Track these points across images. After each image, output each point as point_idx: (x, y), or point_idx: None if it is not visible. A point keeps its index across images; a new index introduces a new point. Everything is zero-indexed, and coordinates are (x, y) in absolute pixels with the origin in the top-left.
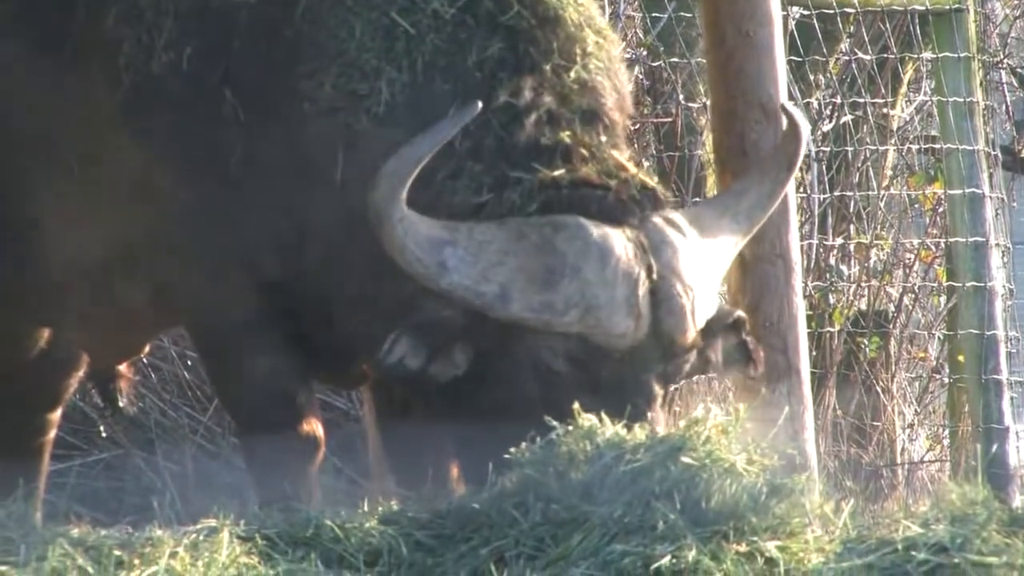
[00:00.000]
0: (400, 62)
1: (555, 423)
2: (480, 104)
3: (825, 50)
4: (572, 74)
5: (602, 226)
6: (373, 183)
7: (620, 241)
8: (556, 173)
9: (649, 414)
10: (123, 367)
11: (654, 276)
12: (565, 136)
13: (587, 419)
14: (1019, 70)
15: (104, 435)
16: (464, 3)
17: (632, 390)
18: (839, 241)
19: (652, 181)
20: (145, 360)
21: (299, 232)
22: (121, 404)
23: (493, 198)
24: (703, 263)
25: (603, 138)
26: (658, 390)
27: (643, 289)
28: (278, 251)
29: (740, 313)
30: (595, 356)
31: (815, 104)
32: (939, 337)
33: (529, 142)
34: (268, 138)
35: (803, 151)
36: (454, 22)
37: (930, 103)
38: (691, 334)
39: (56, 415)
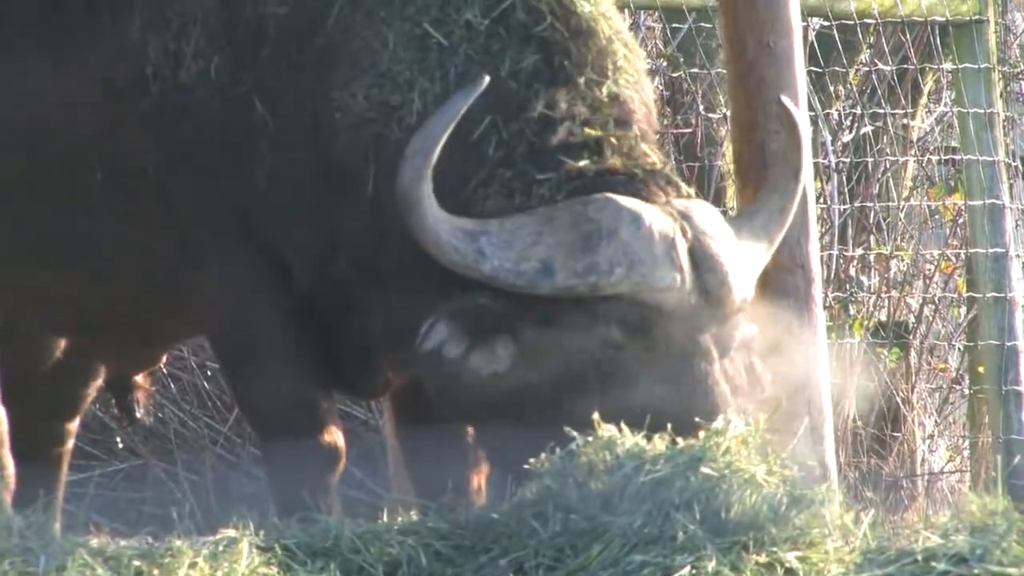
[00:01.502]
0: (433, 73)
1: (575, 433)
2: (488, 78)
3: (845, 61)
4: (604, 89)
5: (631, 199)
6: (398, 169)
7: (650, 208)
8: (582, 164)
9: (710, 375)
10: (140, 377)
11: (689, 237)
12: (594, 132)
13: (607, 429)
14: None
15: (123, 445)
16: (497, 14)
17: (689, 351)
18: (859, 252)
19: (677, 179)
20: (165, 370)
21: (328, 242)
22: (139, 415)
23: (523, 200)
24: (733, 237)
25: (634, 132)
26: (716, 358)
27: (681, 246)
28: (306, 261)
29: (754, 330)
30: (647, 317)
31: (835, 115)
32: (959, 348)
33: (559, 144)
34: (298, 148)
35: (805, 156)
36: (487, 33)
37: (950, 114)
38: (736, 293)
39: (74, 425)
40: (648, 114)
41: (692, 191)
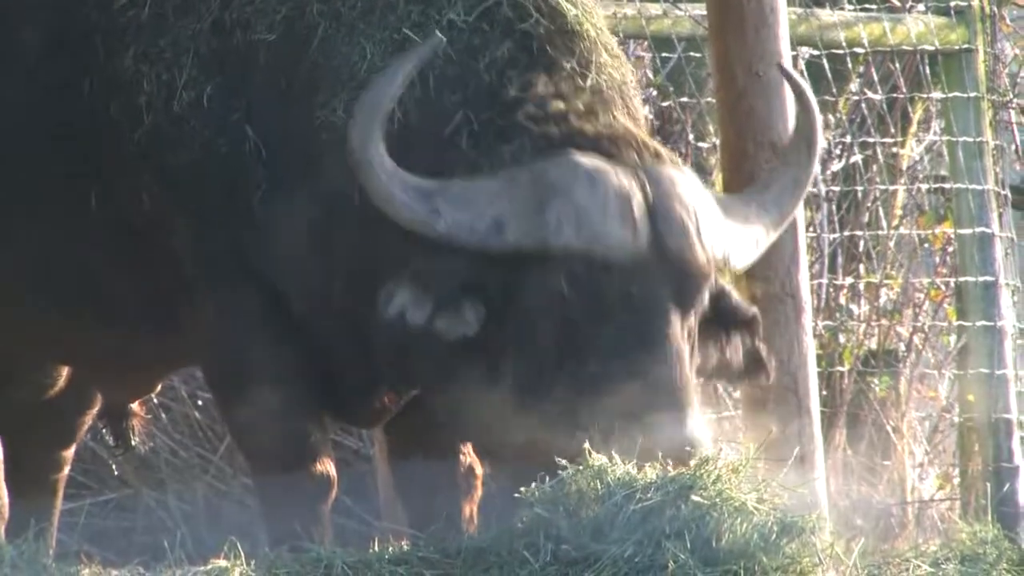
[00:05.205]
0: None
1: (564, 462)
2: (443, 39)
3: (835, 90)
4: (587, 81)
5: (595, 159)
6: (347, 132)
7: (611, 169)
8: (550, 129)
9: (667, 333)
10: (136, 405)
11: (650, 197)
12: (565, 104)
13: (598, 458)
14: None
15: (116, 474)
16: (480, 12)
17: (645, 310)
18: (849, 280)
19: (658, 145)
20: (156, 400)
21: (323, 265)
22: (134, 443)
23: (488, 162)
24: (710, 203)
25: (615, 109)
26: (675, 316)
27: (638, 205)
28: (302, 286)
29: (755, 311)
30: (598, 273)
31: (825, 144)
32: (949, 376)
33: (526, 116)
34: (291, 174)
35: (819, 126)
36: (470, 30)
37: (940, 143)
38: (700, 254)
39: (70, 452)
40: (631, 114)
41: (675, 158)
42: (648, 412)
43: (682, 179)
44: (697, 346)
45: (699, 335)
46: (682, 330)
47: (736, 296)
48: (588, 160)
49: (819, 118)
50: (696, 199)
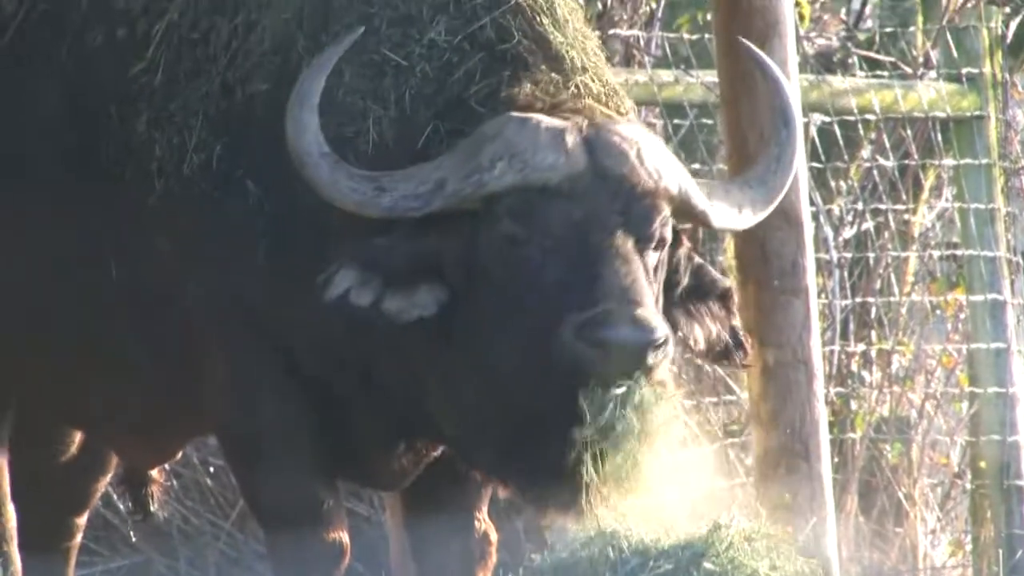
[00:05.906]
0: (387, 97)
1: (574, 528)
2: (363, 29)
3: (846, 156)
4: (567, 91)
5: (533, 113)
6: (285, 128)
7: (547, 117)
8: (500, 107)
9: (614, 250)
10: (155, 472)
11: (585, 131)
12: (518, 86)
13: (610, 524)
14: None
15: (127, 541)
16: (464, 33)
17: (593, 231)
18: (861, 347)
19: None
20: (167, 466)
21: (327, 316)
22: (153, 509)
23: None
24: (663, 151)
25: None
26: (625, 239)
27: (572, 137)
28: (311, 340)
29: (729, 284)
30: (537, 201)
31: (837, 210)
32: (961, 443)
33: (486, 96)
34: (292, 220)
35: (789, 98)
36: (451, 49)
37: (951, 209)
38: (642, 174)
39: (83, 519)
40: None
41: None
42: (601, 320)
43: (630, 126)
44: (662, 298)
45: (679, 307)
46: (638, 256)
47: (712, 270)
48: (524, 113)
49: (788, 92)
50: (642, 136)
